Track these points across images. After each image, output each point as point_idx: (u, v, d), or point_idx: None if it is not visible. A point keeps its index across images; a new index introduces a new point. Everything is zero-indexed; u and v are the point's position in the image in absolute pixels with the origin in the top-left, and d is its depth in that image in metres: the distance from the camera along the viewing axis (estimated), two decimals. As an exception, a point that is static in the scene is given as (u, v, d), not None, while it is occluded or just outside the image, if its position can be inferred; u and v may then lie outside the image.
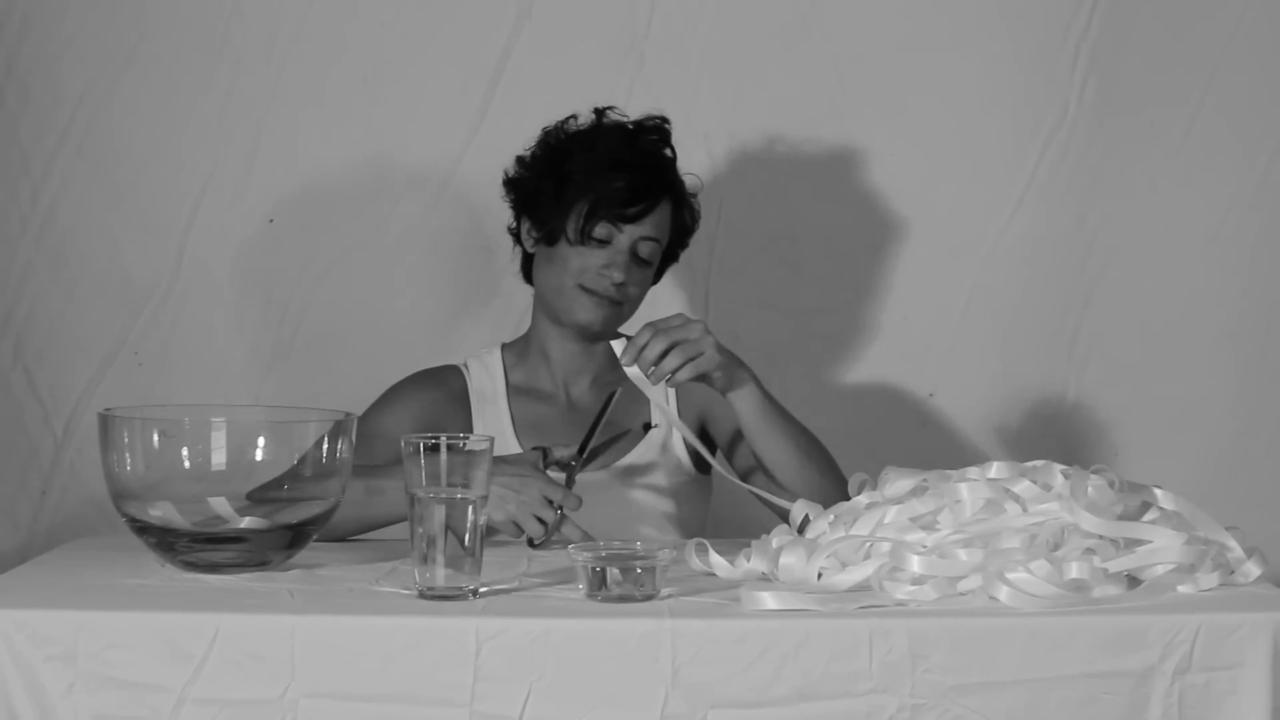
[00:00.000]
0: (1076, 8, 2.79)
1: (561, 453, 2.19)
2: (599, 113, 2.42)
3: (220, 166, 2.78)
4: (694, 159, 2.80)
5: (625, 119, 2.42)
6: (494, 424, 2.39)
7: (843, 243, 2.84)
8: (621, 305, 2.38)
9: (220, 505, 1.95)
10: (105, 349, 2.78)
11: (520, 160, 2.44)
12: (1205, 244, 2.82)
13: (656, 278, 2.47)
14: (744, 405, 2.22)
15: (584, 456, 2.20)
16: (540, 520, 2.10)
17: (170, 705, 1.71)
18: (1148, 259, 2.82)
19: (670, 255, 2.47)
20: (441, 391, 2.42)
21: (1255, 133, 2.81)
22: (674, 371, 2.14)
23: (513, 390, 2.44)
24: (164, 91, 2.78)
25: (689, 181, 2.46)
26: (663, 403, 2.28)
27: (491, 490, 2.06)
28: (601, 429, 2.23)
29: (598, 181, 2.34)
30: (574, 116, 2.42)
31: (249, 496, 1.96)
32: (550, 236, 2.37)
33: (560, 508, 2.11)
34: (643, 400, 2.39)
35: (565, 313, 2.38)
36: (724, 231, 2.83)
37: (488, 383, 2.44)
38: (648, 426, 2.35)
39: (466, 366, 2.46)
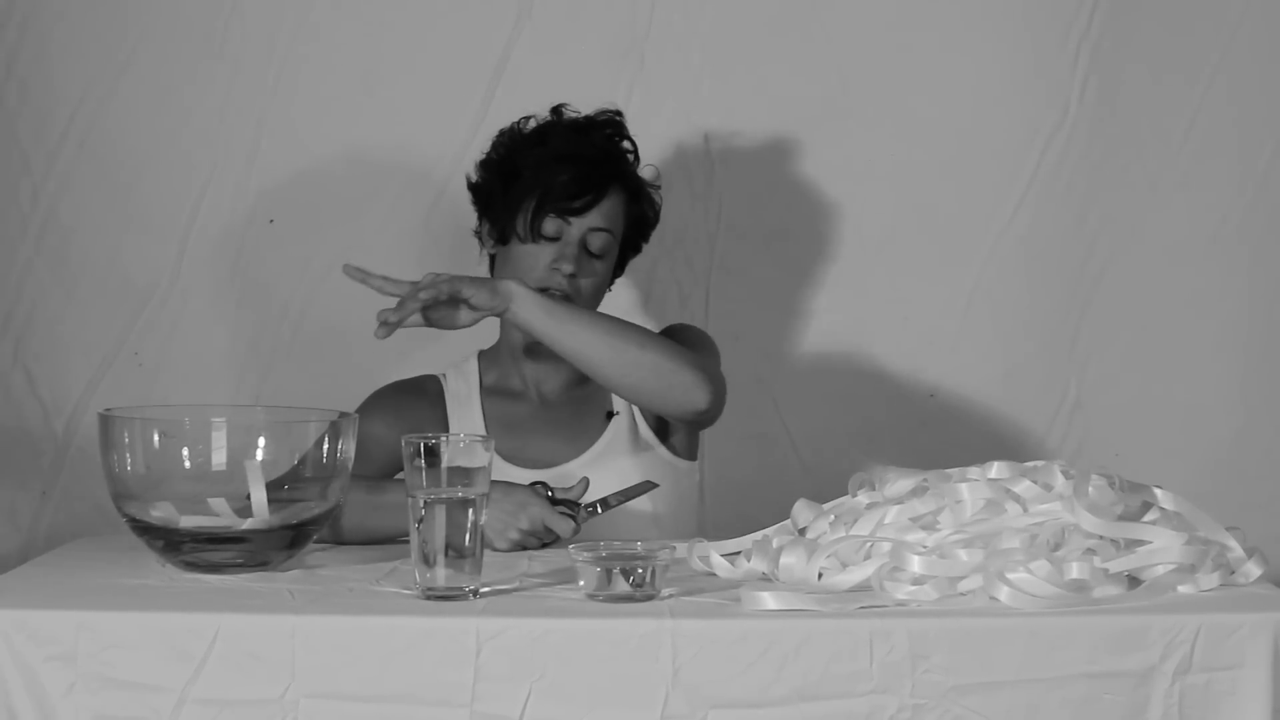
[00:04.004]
0: (1076, 8, 2.78)
1: (564, 494, 2.18)
2: (555, 111, 2.42)
3: (220, 166, 2.78)
4: (694, 159, 2.80)
5: (579, 115, 2.41)
6: (468, 424, 2.40)
7: (843, 243, 2.84)
8: (573, 300, 2.35)
9: (220, 506, 1.95)
10: (105, 349, 2.78)
11: (479, 163, 2.44)
12: (1205, 244, 2.82)
13: (619, 270, 2.45)
14: (523, 312, 2.17)
15: (588, 506, 2.19)
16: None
17: (171, 705, 1.71)
18: (1148, 259, 2.82)
19: (631, 247, 2.45)
20: (417, 397, 2.43)
21: (1255, 133, 2.81)
22: (426, 310, 2.13)
23: (486, 391, 2.44)
24: (164, 91, 2.78)
25: (648, 173, 2.45)
26: None
27: (493, 518, 2.08)
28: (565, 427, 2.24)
29: (544, 176, 2.34)
30: (530, 117, 2.42)
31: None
32: (503, 235, 2.37)
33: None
34: (605, 389, 2.38)
35: None
36: (724, 231, 2.83)
37: (463, 387, 2.44)
38: (610, 415, 2.34)
39: (444, 376, 2.47)
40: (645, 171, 2.45)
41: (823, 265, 2.84)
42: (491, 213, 2.41)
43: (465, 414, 2.42)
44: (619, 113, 2.43)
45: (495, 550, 2.10)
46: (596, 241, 2.36)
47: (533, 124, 2.41)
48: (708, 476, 2.53)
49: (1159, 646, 1.71)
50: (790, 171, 2.82)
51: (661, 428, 2.44)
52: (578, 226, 2.35)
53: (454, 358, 2.49)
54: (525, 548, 2.12)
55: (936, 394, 2.84)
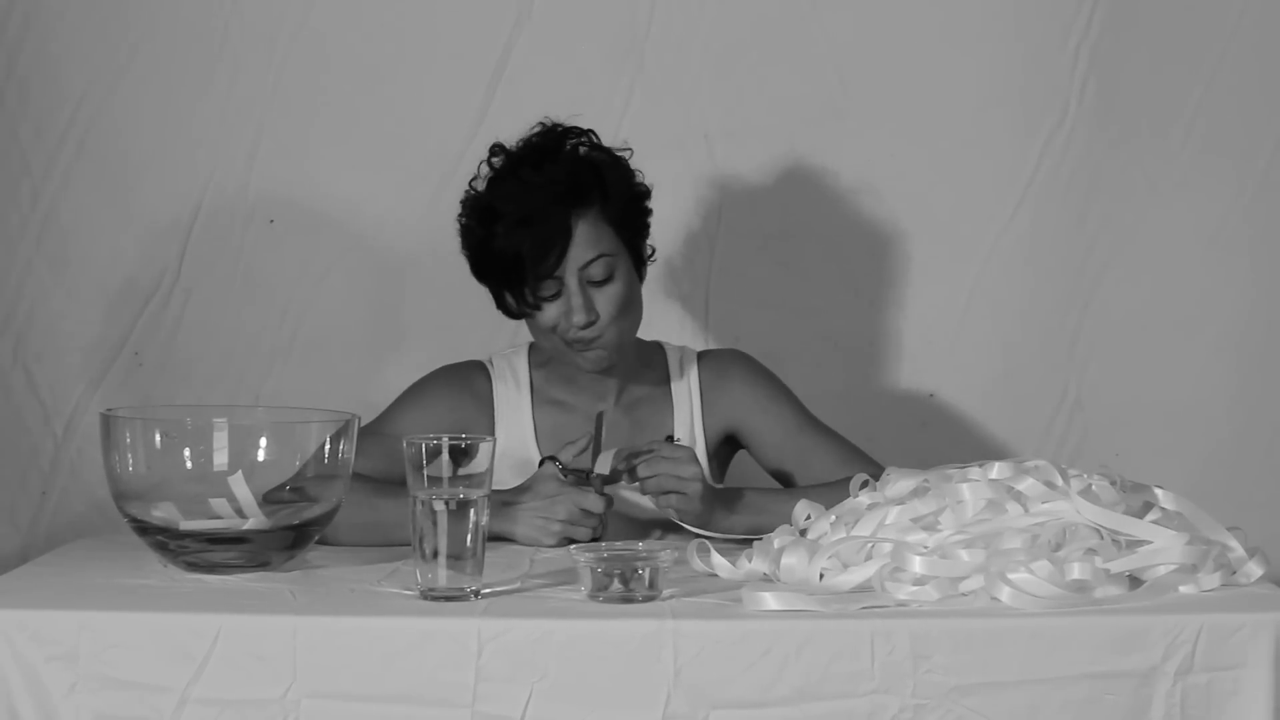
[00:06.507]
0: (1076, 8, 2.78)
1: (569, 453, 2.18)
2: (490, 161, 2.32)
3: (220, 166, 2.78)
4: (694, 159, 2.80)
5: (509, 150, 2.31)
6: (516, 430, 2.36)
7: (843, 243, 2.84)
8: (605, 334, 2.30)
9: (222, 506, 1.95)
10: (105, 349, 2.78)
11: (469, 262, 2.36)
12: (1205, 244, 2.82)
13: (639, 261, 2.35)
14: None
15: (598, 474, 2.18)
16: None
17: (172, 705, 1.71)
18: (1148, 259, 2.82)
19: (637, 235, 2.34)
20: (467, 394, 2.37)
21: (1255, 133, 2.81)
22: (657, 494, 2.16)
23: (537, 397, 2.40)
24: (164, 91, 2.77)
25: (613, 158, 2.33)
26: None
27: (528, 522, 2.12)
28: (627, 444, 2.24)
29: (510, 251, 2.24)
30: (476, 178, 2.33)
31: (265, 498, 1.97)
32: (517, 314, 2.33)
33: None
34: (667, 411, 2.39)
35: (570, 365, 2.34)
36: (724, 231, 2.83)
37: (513, 387, 2.39)
38: (670, 439, 2.34)
39: (491, 364, 2.42)
40: (611, 158, 2.32)
41: (823, 265, 2.84)
42: (498, 302, 2.34)
43: (514, 418, 2.37)
44: (542, 123, 2.32)
45: (544, 547, 2.13)
46: (596, 271, 2.26)
47: (478, 189, 2.31)
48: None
49: (1160, 647, 1.72)
50: (790, 171, 2.82)
51: (725, 460, 2.44)
52: (570, 272, 2.25)
53: (455, 355, 2.48)
54: (571, 539, 2.12)
55: (936, 394, 2.85)
